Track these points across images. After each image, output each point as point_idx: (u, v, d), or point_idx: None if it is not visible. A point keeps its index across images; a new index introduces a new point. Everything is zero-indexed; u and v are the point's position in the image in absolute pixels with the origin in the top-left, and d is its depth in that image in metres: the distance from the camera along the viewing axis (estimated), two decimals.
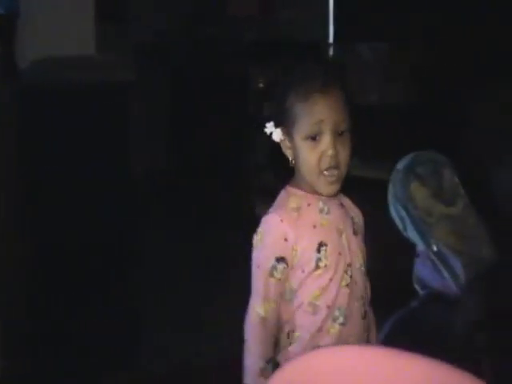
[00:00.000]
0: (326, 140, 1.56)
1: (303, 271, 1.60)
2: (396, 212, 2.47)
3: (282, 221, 1.61)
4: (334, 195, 1.65)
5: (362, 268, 1.68)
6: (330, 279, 1.60)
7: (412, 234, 2.43)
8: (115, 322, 2.98)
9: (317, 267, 1.60)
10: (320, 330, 1.62)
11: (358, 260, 1.67)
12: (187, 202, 5.30)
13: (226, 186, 5.24)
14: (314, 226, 1.62)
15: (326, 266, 1.60)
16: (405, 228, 2.46)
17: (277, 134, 1.65)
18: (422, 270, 2.58)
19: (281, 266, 1.60)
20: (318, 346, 1.61)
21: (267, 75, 5.40)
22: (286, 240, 1.60)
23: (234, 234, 4.74)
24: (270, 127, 1.66)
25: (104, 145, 3.03)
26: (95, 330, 2.94)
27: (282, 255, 1.61)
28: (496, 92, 3.13)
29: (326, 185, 1.60)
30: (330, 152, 1.56)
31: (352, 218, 1.69)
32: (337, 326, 1.61)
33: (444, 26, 4.79)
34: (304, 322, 1.63)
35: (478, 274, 2.39)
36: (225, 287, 3.92)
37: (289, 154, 1.64)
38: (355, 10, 5.55)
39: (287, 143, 1.64)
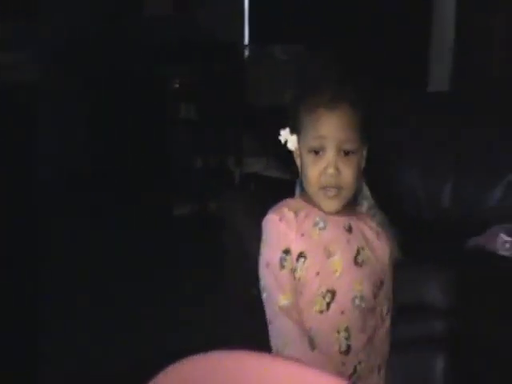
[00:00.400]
0: (328, 157, 1.52)
1: None
2: None
3: (280, 220, 1.59)
4: (336, 213, 1.57)
5: (357, 301, 1.55)
6: (300, 293, 1.54)
7: None
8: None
9: None
10: None
11: (353, 291, 1.55)
12: (100, 202, 5.25)
13: (140, 186, 5.20)
14: (302, 235, 1.57)
15: (299, 279, 1.55)
16: None
17: (292, 142, 1.61)
18: None
19: (288, 257, 1.57)
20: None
21: (183, 75, 5.38)
22: (286, 235, 1.58)
23: (153, 234, 4.76)
24: (285, 134, 1.63)
25: (11, 146, 2.97)
26: None
27: (288, 247, 1.57)
28: (400, 93, 3.19)
29: (325, 199, 1.55)
30: (330, 171, 1.51)
31: (360, 248, 1.58)
32: None
33: (358, 29, 4.87)
34: None
35: None
36: (142, 288, 3.91)
37: (298, 163, 1.61)
38: (270, 11, 5.59)
39: (297, 152, 1.60)
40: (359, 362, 1.53)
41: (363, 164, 1.61)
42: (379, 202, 2.52)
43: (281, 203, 1.64)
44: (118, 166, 5.45)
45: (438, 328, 2.09)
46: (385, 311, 1.63)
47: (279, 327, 1.55)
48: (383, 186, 2.66)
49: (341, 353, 1.52)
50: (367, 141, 1.59)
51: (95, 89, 5.63)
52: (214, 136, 5.17)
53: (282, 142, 1.61)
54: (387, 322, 1.64)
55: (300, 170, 1.61)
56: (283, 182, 2.61)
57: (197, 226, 4.80)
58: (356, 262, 1.56)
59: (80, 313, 3.58)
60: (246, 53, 5.59)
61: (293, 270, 1.56)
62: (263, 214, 2.56)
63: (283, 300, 1.55)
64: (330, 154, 1.51)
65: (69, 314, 3.53)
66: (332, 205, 1.55)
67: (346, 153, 1.52)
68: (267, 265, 1.59)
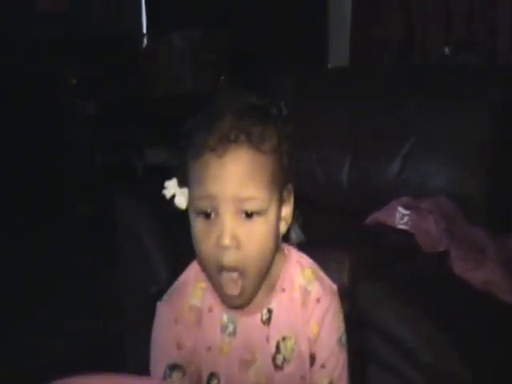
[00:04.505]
0: (221, 223, 1.06)
1: None
2: None
3: (176, 321, 1.19)
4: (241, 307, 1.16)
5: None
6: None
7: None
8: None
9: None
10: None
11: None
12: None
13: (38, 186, 5.04)
14: (209, 349, 1.18)
15: None
16: None
17: (182, 198, 1.14)
18: None
19: (175, 375, 1.17)
20: None
21: (80, 70, 5.24)
22: (180, 348, 1.19)
23: (56, 235, 4.62)
24: (170, 187, 1.16)
25: None
26: None
27: (176, 363, 1.18)
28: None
29: (226, 294, 1.12)
30: (225, 241, 1.05)
31: (280, 343, 1.18)
32: None
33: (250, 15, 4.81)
34: None
35: None
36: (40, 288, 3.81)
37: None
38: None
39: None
40: None
41: (286, 223, 1.15)
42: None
43: (183, 285, 1.21)
44: (14, 167, 5.25)
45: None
46: None
47: None
48: None
49: None
50: (288, 187, 1.15)
51: None
52: (113, 131, 5.03)
53: (167, 197, 1.16)
54: None
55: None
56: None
57: (99, 226, 4.69)
58: (277, 365, 1.19)
59: None
60: (145, 42, 5.48)
61: None
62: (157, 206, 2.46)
63: None
64: (223, 219, 1.06)
65: None
66: (235, 301, 1.13)
67: (249, 215, 1.07)
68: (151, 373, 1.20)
